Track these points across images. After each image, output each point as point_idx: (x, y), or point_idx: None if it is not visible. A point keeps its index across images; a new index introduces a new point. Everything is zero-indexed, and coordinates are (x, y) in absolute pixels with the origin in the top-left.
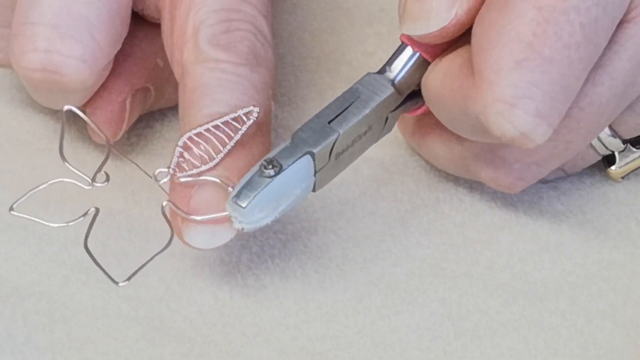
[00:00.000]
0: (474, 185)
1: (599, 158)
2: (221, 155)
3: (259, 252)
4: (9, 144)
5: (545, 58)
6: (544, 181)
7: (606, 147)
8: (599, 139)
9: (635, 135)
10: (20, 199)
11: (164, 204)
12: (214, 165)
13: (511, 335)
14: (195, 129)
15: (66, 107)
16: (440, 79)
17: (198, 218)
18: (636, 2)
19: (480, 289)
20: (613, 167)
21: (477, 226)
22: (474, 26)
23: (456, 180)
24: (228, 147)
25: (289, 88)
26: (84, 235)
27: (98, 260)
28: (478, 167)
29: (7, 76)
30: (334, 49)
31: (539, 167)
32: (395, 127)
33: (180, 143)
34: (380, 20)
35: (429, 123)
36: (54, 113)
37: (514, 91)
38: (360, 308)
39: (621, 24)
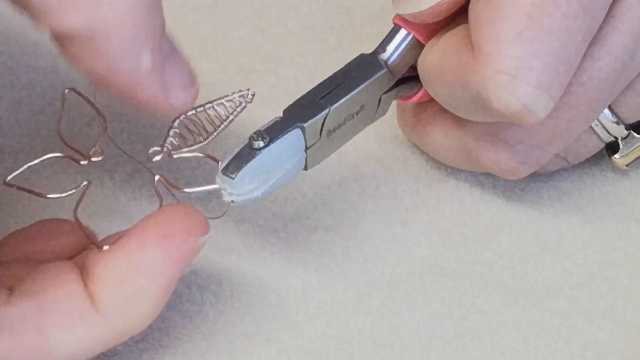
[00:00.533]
0: (475, 185)
1: (602, 146)
2: (215, 134)
3: (259, 250)
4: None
5: (545, 28)
6: (546, 172)
7: (609, 133)
8: (602, 125)
9: (638, 118)
10: (15, 172)
11: (157, 178)
12: (207, 144)
13: (511, 335)
14: (189, 111)
15: (67, 90)
16: (438, 56)
17: (189, 190)
18: None
19: (480, 288)
20: (617, 155)
21: (478, 226)
22: (470, 4)
23: (457, 179)
24: (222, 127)
25: (288, 85)
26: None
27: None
28: (480, 151)
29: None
30: (335, 47)
31: (542, 149)
32: (395, 125)
33: (175, 124)
34: (380, 19)
35: (429, 113)
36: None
37: (515, 62)
38: (361, 307)
39: None
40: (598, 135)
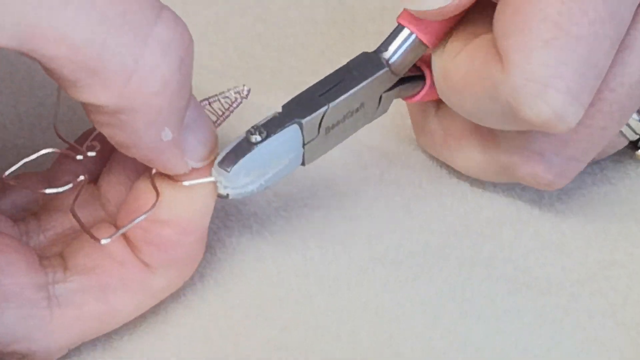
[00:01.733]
0: (476, 182)
1: (626, 143)
2: None
3: (259, 229)
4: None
5: (573, 35)
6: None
7: (635, 132)
8: (628, 124)
9: None
10: (12, 168)
11: (154, 171)
12: None
13: (515, 324)
14: None
15: None
16: (464, 69)
17: (186, 183)
18: None
19: (484, 276)
20: None
21: (480, 219)
22: (495, 15)
23: (459, 176)
24: (217, 123)
25: (290, 76)
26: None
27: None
28: (516, 166)
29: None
30: (337, 41)
31: (578, 161)
32: (396, 122)
33: None
34: (381, 18)
35: (461, 130)
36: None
37: (545, 71)
38: (364, 282)
39: None
40: (624, 135)
